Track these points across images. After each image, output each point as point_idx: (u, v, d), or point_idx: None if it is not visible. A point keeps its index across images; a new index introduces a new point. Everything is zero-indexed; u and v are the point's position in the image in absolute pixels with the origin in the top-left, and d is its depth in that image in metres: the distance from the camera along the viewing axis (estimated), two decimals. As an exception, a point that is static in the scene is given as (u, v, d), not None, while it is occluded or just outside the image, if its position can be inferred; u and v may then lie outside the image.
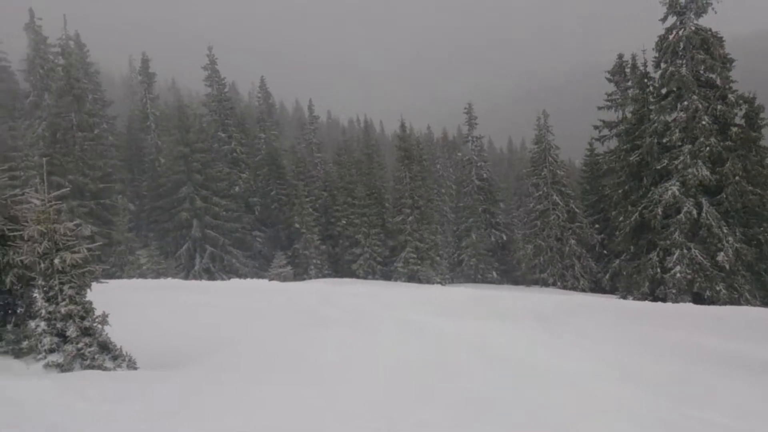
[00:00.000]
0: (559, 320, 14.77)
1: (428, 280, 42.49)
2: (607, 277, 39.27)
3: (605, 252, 42.87)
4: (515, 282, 49.34)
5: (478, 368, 10.31)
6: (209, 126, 50.04)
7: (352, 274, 44.62)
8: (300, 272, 43.83)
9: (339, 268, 47.50)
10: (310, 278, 42.17)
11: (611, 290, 37.74)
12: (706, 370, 10.71)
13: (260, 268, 44.71)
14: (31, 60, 51.18)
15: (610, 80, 41.99)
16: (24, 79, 51.98)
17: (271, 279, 36.29)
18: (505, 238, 53.85)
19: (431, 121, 79.78)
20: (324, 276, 44.05)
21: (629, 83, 40.70)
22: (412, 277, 42.99)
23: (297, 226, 45.15)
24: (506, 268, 52.90)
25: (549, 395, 8.37)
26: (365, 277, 43.92)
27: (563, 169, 45.28)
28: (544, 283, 42.81)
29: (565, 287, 41.55)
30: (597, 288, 41.15)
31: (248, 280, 27.07)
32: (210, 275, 41.52)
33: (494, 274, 50.05)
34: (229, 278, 35.36)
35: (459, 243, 52.63)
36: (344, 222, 46.95)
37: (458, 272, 50.89)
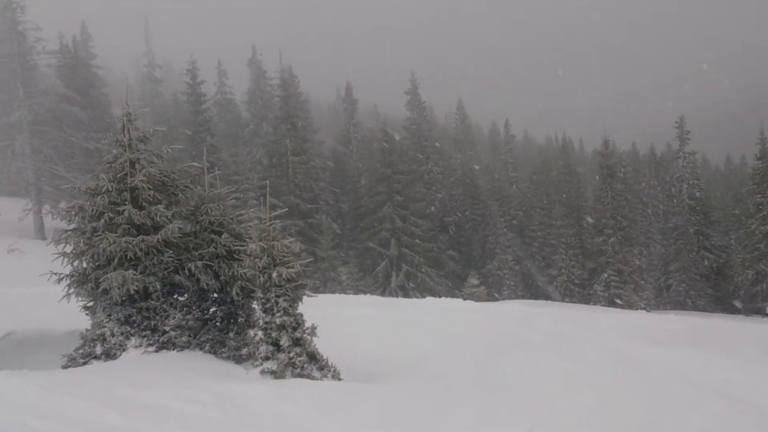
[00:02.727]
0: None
1: (631, 306, 39.65)
2: None
3: None
4: (731, 311, 44.26)
5: (698, 407, 9.28)
6: (408, 148, 51.83)
7: (547, 296, 43.14)
8: (493, 292, 43.35)
9: (533, 290, 46.19)
10: (503, 299, 41.49)
11: None
12: None
13: (453, 287, 44.95)
14: (252, 92, 57.39)
15: None
16: (245, 110, 58.40)
17: (465, 298, 36.31)
18: (720, 262, 48.55)
19: (637, 138, 74.76)
20: (517, 297, 43.09)
21: None
22: (613, 302, 40.44)
23: (491, 245, 44.81)
24: (721, 294, 47.60)
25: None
26: (562, 300, 42.23)
27: (794, 187, 39.58)
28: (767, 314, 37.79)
29: (796, 319, 36.24)
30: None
31: (443, 298, 27.30)
32: (405, 293, 42.62)
33: (706, 301, 45.30)
34: (424, 296, 36.03)
35: (666, 266, 48.50)
36: (540, 242, 45.72)
37: (665, 298, 46.85)
